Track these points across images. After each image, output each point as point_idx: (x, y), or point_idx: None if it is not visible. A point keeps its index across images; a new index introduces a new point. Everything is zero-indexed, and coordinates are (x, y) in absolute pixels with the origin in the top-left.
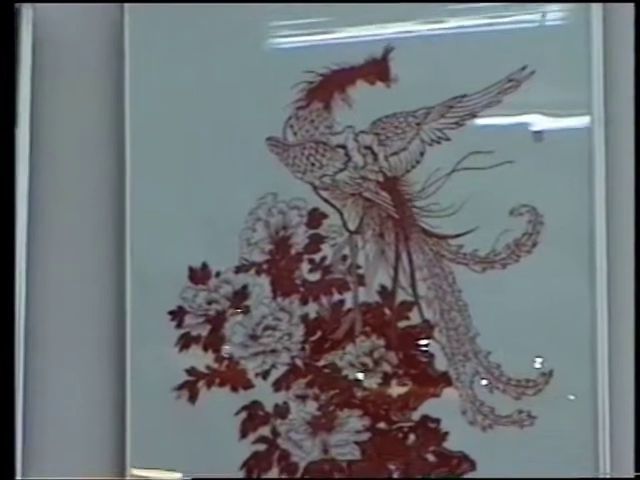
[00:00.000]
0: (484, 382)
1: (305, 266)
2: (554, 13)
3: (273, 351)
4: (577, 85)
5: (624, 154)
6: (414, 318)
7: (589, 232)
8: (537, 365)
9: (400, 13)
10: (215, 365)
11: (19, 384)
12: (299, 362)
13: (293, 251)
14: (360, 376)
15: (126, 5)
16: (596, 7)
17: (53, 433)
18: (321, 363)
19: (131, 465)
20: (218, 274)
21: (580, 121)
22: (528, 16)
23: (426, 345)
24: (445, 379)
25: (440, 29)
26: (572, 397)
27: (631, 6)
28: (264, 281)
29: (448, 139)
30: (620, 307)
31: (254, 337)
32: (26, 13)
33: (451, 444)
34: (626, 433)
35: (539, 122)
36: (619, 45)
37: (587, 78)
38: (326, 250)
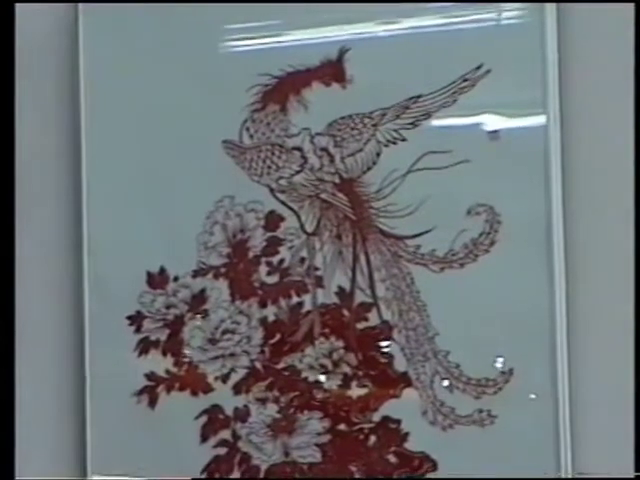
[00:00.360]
0: (445, 383)
1: (263, 269)
2: (509, 12)
3: (232, 355)
4: (532, 84)
5: (580, 152)
6: (373, 319)
7: (546, 230)
8: (497, 364)
9: (355, 14)
10: (174, 369)
11: None
12: (258, 365)
13: (251, 254)
14: (320, 378)
15: (80, 6)
16: (550, 7)
17: (17, 440)
18: (280, 366)
19: (92, 471)
20: (176, 278)
21: (536, 120)
22: (483, 15)
23: (386, 346)
24: (405, 380)
25: (395, 30)
26: (533, 396)
27: (585, 6)
28: (222, 285)
29: (404, 139)
30: (579, 304)
31: (213, 341)
32: None
33: (412, 445)
34: (587, 430)
35: (495, 121)
36: (573, 44)
37: (542, 77)
38: (284, 253)
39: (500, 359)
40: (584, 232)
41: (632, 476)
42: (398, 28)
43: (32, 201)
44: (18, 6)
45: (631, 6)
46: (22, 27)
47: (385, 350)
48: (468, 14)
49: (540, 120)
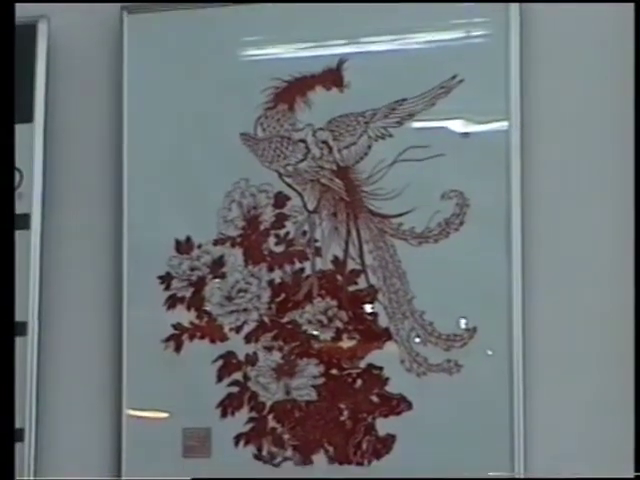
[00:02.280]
0: (417, 340)
1: (272, 240)
2: (479, 32)
3: (245, 310)
4: (498, 94)
5: (536, 150)
6: (361, 283)
7: (506, 212)
8: (462, 323)
9: (352, 31)
10: (197, 321)
11: (34, 339)
12: (266, 319)
13: (262, 227)
14: (316, 331)
15: (125, 16)
16: (515, 27)
17: (63, 380)
18: (284, 320)
19: (127, 406)
20: (200, 246)
21: (500, 125)
22: (457, 34)
23: (372, 306)
24: (387, 334)
25: (385, 44)
26: (490, 352)
27: (548, 28)
28: (237, 252)
29: (391, 135)
30: (532, 274)
31: (229, 298)
32: (41, 27)
33: (392, 388)
34: (537, 377)
35: (466, 123)
36: (534, 61)
37: (505, 88)
38: (289, 227)
39: (465, 319)
40: (537, 214)
41: (632, 476)
42: (387, 42)
43: (83, 184)
44: (71, 18)
45: (631, 6)
46: (74, 37)
47: (371, 309)
48: (445, 31)
49: (503, 124)
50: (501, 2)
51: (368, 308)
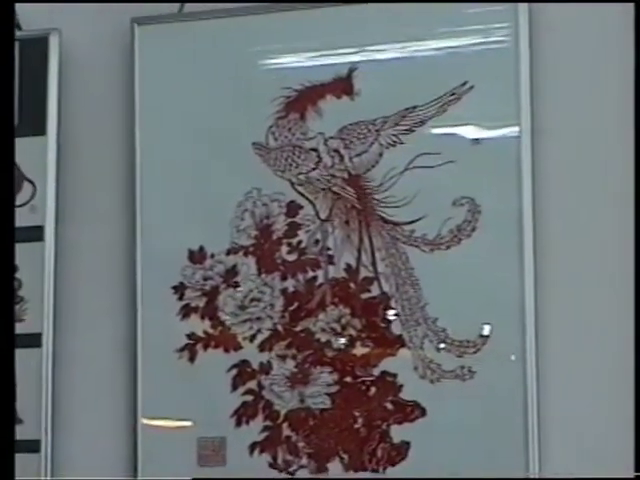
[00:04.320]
0: (442, 345)
1: (284, 249)
2: (489, 37)
3: (258, 318)
4: (508, 100)
5: (546, 156)
6: (374, 291)
7: (518, 218)
8: (476, 330)
9: (361, 39)
10: (210, 330)
11: (49, 350)
12: (280, 327)
13: (274, 236)
14: (330, 339)
15: (136, 28)
16: (523, 36)
17: (78, 391)
18: (298, 328)
19: (142, 415)
20: (213, 255)
21: (510, 130)
22: (469, 41)
23: (385, 313)
24: (400, 341)
25: (395, 52)
26: (513, 357)
27: (556, 37)
28: (250, 261)
29: (402, 143)
30: (545, 280)
31: (242, 307)
32: (53, 40)
33: (405, 395)
34: (551, 384)
35: (477, 129)
36: (544, 69)
37: (516, 95)
38: (302, 235)
39: (478, 326)
40: (549, 220)
41: (632, 476)
42: (397, 50)
43: (97, 193)
44: (84, 31)
45: (631, 6)
46: (85, 49)
47: (384, 316)
48: (454, 39)
49: (514, 130)
50: (508, 2)
51: (381, 315)
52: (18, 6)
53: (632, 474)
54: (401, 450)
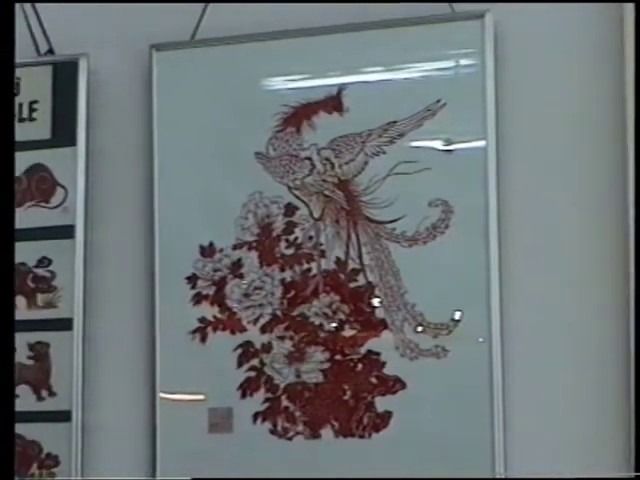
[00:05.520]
0: (419, 328)
1: (283, 244)
2: (460, 61)
3: (260, 305)
4: (476, 117)
5: (510, 165)
6: (361, 280)
7: (485, 218)
8: (449, 314)
9: (349, 63)
10: (219, 315)
11: (79, 333)
12: (279, 313)
13: (274, 234)
14: (322, 323)
15: (154, 53)
16: (490, 57)
17: (104, 368)
18: (295, 313)
19: (160, 390)
20: (221, 250)
21: (478, 143)
22: (441, 64)
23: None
24: (383, 324)
25: (378, 75)
26: (481, 339)
27: (519, 62)
28: (253, 255)
29: (384, 152)
30: (508, 272)
31: (247, 295)
32: (82, 63)
33: (388, 370)
34: (513, 362)
35: (449, 141)
36: (507, 87)
37: (483, 112)
38: (297, 233)
39: (451, 310)
40: (512, 218)
41: (632, 476)
42: (380, 73)
43: (122, 198)
44: (108, 57)
45: (631, 6)
46: (108, 73)
47: (370, 303)
48: (430, 63)
49: (481, 143)
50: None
51: (367, 302)
52: (52, 33)
53: (632, 474)
54: (384, 418)
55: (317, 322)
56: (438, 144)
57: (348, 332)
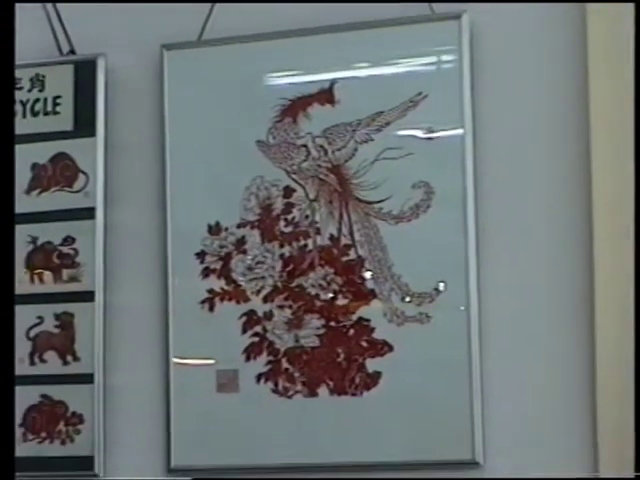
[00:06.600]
0: (406, 298)
1: (282, 223)
2: (440, 57)
3: (262, 277)
4: (454, 107)
5: (485, 151)
6: (352, 255)
7: (463, 199)
8: (432, 284)
9: (341, 60)
10: (225, 287)
11: (100, 305)
12: (279, 284)
13: (274, 213)
14: (319, 293)
15: (165, 52)
16: (466, 56)
17: (123, 335)
18: (293, 285)
19: (173, 355)
20: (226, 229)
21: (456, 131)
22: (422, 60)
23: (362, 272)
24: (372, 294)
25: (366, 69)
26: (462, 307)
27: (494, 57)
28: (256, 233)
29: (372, 140)
30: (485, 247)
31: (250, 269)
32: (100, 62)
33: (377, 335)
34: (489, 329)
35: (430, 129)
36: (482, 80)
37: (461, 102)
38: (295, 212)
39: (435, 281)
40: (488, 199)
41: (632, 476)
42: (368, 68)
43: (137, 183)
44: (122, 58)
45: (631, 6)
46: (122, 71)
47: (360, 275)
48: (412, 58)
49: (459, 131)
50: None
51: (358, 274)
52: (73, 34)
53: (632, 474)
54: (374, 378)
55: (313, 292)
56: (420, 132)
57: (341, 301)
